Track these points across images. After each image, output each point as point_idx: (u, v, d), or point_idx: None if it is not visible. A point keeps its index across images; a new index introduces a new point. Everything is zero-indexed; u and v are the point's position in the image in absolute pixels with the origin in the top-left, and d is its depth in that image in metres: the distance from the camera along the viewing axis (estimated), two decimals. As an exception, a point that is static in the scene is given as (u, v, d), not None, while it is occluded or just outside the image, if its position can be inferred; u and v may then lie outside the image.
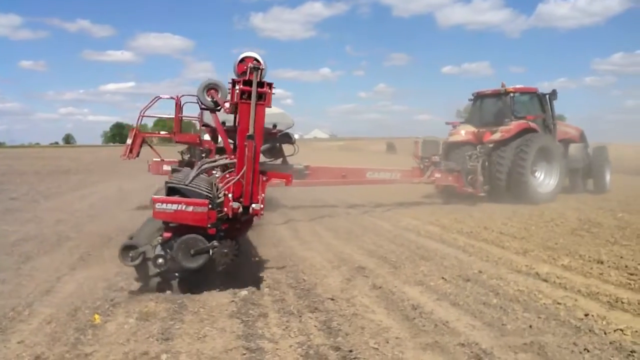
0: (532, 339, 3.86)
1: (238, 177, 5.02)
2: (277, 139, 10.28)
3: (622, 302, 4.70)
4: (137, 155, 10.74)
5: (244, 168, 5.02)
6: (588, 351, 3.63)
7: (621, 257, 6.42)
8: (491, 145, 13.25)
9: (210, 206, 4.82)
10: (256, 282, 5.47)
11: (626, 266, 5.99)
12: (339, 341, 3.84)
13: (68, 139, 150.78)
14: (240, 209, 5.05)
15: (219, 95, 6.41)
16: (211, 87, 7.52)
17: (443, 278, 5.62)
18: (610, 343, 3.77)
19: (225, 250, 4.96)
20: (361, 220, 9.94)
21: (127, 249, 4.88)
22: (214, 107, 7.12)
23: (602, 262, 6.24)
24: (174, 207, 4.78)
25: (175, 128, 10.80)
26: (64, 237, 7.95)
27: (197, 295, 4.99)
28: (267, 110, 6.27)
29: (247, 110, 5.08)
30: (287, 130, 10.17)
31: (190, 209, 4.79)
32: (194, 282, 5.12)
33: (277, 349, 3.71)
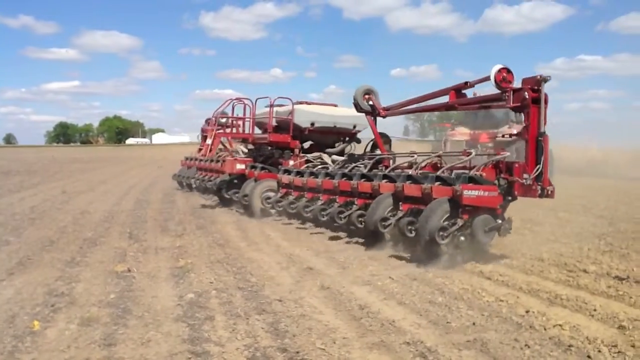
0: (476, 336, 3.94)
1: (540, 166, 6.31)
2: (353, 138, 11.89)
3: (561, 299, 4.86)
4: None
5: (542, 157, 6.28)
6: (528, 347, 3.73)
7: (561, 255, 6.65)
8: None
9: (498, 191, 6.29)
10: (203, 285, 5.41)
11: (565, 263, 6.21)
12: (286, 343, 3.83)
13: (9, 139, 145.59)
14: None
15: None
16: (368, 92, 9.16)
17: (390, 277, 5.68)
18: (550, 338, 3.88)
19: (507, 226, 6.37)
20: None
21: (382, 220, 6.81)
22: (371, 111, 9.02)
23: (542, 260, 6.45)
24: (476, 193, 6.10)
25: (252, 129, 11.94)
26: (2, 241, 7.65)
27: (141, 299, 4.89)
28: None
29: (536, 112, 6.32)
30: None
31: (487, 194, 6.17)
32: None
33: (223, 352, 3.67)
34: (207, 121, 18.20)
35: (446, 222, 6.10)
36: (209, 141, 11.18)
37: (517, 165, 6.50)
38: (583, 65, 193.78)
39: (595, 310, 4.51)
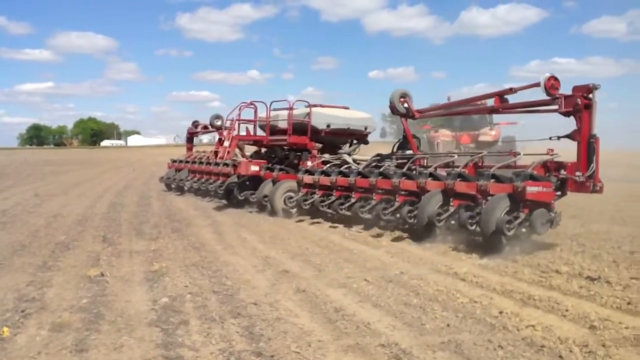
0: (450, 337, 3.97)
1: (594, 164, 7.12)
2: (362, 140, 12.67)
3: (534, 299, 4.91)
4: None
5: (594, 157, 7.09)
6: (502, 347, 3.76)
7: (534, 256, 6.71)
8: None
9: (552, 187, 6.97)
10: (178, 289, 5.36)
11: (539, 264, 6.28)
12: (261, 346, 3.81)
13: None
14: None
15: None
16: (404, 96, 9.78)
17: (366, 280, 5.69)
18: (523, 339, 3.92)
19: (558, 219, 7.02)
20: (286, 224, 9.93)
21: (437, 215, 7.40)
22: (407, 114, 9.73)
23: (516, 261, 6.51)
24: (537, 189, 6.74)
25: (267, 131, 12.18)
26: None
27: (114, 304, 4.83)
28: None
29: (588, 116, 7.10)
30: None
31: (545, 189, 6.82)
32: None
33: (197, 357, 3.64)
34: (195, 124, 18.24)
35: (509, 216, 6.74)
36: (226, 143, 11.30)
37: (569, 164, 7.24)
38: (557, 68, 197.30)
39: (567, 310, 4.57)
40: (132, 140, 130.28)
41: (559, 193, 7.31)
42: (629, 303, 4.73)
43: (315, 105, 11.81)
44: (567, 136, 7.38)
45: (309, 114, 11.46)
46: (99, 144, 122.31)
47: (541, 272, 5.92)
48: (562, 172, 7.33)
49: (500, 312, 4.54)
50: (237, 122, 11.87)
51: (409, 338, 3.99)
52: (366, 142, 12.84)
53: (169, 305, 4.79)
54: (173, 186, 16.64)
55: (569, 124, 7.36)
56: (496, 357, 3.62)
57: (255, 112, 12.35)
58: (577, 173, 7.11)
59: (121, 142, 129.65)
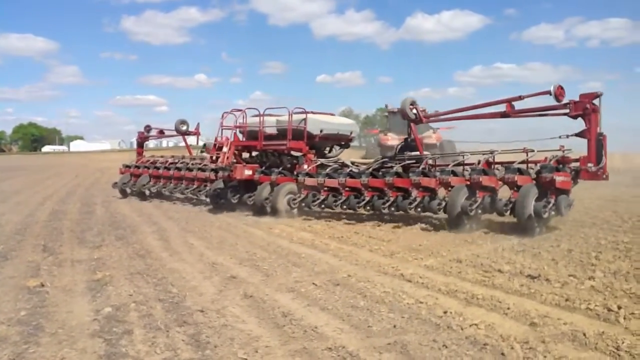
0: (396, 339, 4.02)
1: (604, 157, 8.58)
2: (347, 144, 14.01)
3: (478, 299, 5.03)
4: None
5: (603, 151, 8.51)
6: (446, 347, 3.83)
7: (477, 256, 6.88)
8: None
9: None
10: (122, 298, 5.24)
11: (482, 264, 6.43)
12: (207, 354, 3.77)
13: None
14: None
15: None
16: (413, 103, 10.87)
17: (314, 284, 5.70)
18: (466, 338, 4.01)
19: (573, 203, 8.83)
20: (234, 229, 9.86)
21: (470, 205, 8.68)
22: (416, 119, 10.88)
23: (460, 261, 6.66)
24: (562, 178, 8.32)
25: (260, 137, 12.71)
26: None
27: (55, 315, 4.68)
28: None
29: (595, 118, 8.46)
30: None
31: (567, 179, 8.43)
32: None
33: (141, 366, 3.57)
34: (147, 128, 18.05)
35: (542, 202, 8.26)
36: (225, 149, 11.66)
37: (582, 157, 8.55)
38: (499, 73, 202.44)
39: (509, 308, 4.70)
40: (75, 146, 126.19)
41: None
42: (567, 300, 4.90)
43: (309, 112, 12.47)
44: (577, 135, 8.60)
45: (304, 120, 12.11)
46: (40, 150, 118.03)
47: (484, 272, 6.05)
48: (573, 164, 8.71)
49: (445, 312, 4.62)
50: (236, 128, 12.69)
51: (356, 340, 4.02)
52: (348, 146, 14.05)
53: (113, 315, 4.68)
54: (128, 191, 16.39)
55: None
56: (441, 356, 3.69)
57: (244, 119, 12.91)
58: (589, 164, 8.39)
59: (64, 148, 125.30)
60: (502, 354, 3.70)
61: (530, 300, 5.02)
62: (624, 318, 4.37)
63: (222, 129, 12.33)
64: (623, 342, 3.82)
